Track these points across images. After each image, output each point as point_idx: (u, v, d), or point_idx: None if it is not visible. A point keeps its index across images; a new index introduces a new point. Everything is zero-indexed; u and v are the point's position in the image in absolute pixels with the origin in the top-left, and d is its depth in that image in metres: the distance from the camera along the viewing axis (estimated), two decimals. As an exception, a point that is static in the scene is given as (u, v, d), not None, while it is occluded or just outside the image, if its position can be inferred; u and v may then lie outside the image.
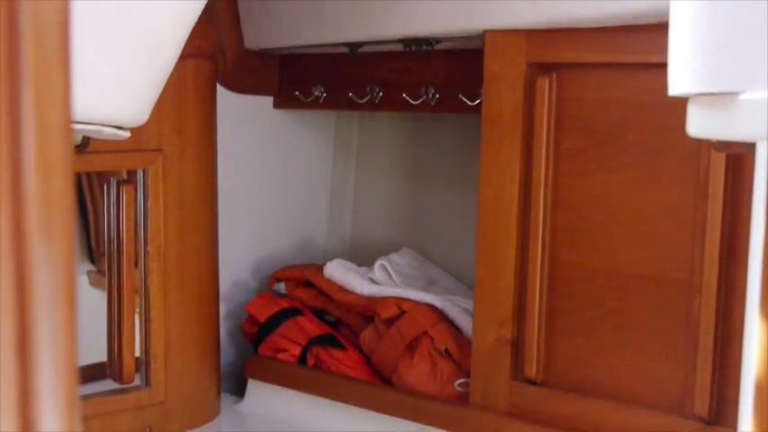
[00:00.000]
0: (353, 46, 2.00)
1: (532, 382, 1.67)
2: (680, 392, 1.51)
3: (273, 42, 2.12)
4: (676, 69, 0.85)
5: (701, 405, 1.47)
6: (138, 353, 1.88)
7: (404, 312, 1.90)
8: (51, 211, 0.38)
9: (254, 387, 2.10)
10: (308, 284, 2.13)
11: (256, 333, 2.10)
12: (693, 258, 1.48)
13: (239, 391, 2.15)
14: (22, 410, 0.38)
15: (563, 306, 1.64)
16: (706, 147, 1.42)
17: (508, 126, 1.65)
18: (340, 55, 2.10)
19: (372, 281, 2.05)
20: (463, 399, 1.79)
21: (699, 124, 0.86)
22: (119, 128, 1.25)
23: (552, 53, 1.61)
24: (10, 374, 0.38)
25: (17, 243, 0.38)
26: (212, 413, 2.03)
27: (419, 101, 2.00)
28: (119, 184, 1.81)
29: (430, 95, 1.97)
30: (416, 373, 1.86)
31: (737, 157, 1.40)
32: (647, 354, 1.54)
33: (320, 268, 2.11)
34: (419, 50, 1.89)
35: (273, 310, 2.09)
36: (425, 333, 1.87)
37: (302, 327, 2.05)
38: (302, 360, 2.03)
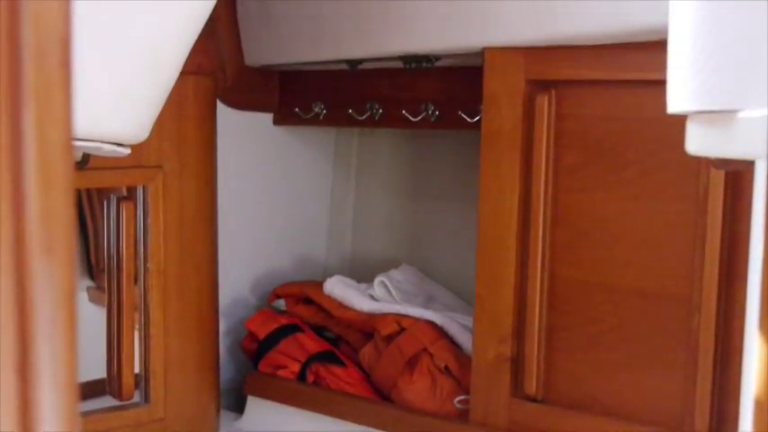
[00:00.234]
0: (353, 63, 2.01)
1: (532, 399, 1.67)
2: (680, 409, 1.50)
3: (273, 59, 2.13)
4: (675, 87, 0.86)
5: (701, 421, 1.47)
6: (137, 369, 1.88)
7: (403, 329, 1.90)
8: (52, 227, 0.38)
9: (254, 404, 2.10)
10: (308, 301, 2.12)
11: (256, 350, 2.10)
12: (693, 275, 1.48)
13: (239, 408, 2.15)
14: (23, 426, 0.38)
15: (563, 323, 1.64)
16: (705, 164, 1.43)
17: (508, 143, 1.66)
18: (340, 72, 2.10)
19: (372, 297, 2.04)
20: (463, 416, 1.79)
21: (698, 142, 0.86)
22: (119, 145, 1.25)
23: (551, 70, 1.61)
24: (10, 391, 0.38)
25: (18, 259, 0.38)
26: (211, 430, 2.03)
27: (419, 117, 2.00)
28: (119, 200, 1.82)
29: (429, 112, 1.98)
30: (416, 389, 1.86)
31: (737, 173, 1.40)
32: (647, 370, 1.54)
33: (320, 285, 2.11)
34: (419, 67, 1.89)
35: (273, 326, 2.08)
36: (425, 350, 1.86)
37: (302, 343, 2.05)
38: (302, 377, 2.02)
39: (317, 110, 2.19)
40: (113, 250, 1.83)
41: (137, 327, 1.88)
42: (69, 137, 0.39)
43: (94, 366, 1.87)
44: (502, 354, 1.69)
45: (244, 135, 2.23)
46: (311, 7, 1.96)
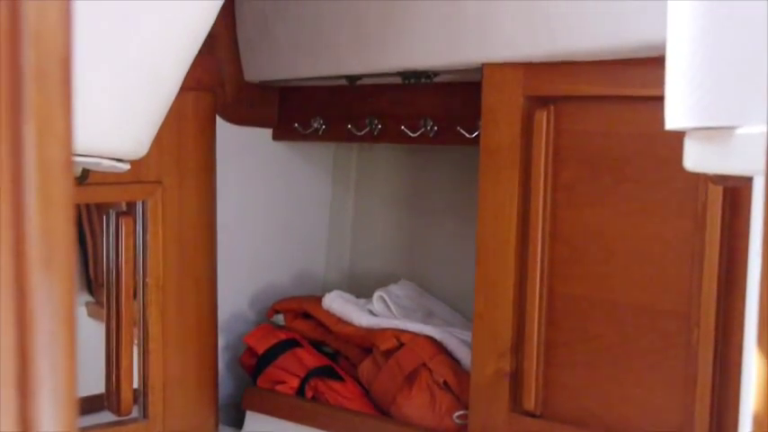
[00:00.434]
0: (352, 78, 2.01)
1: (531, 415, 1.67)
2: (679, 424, 1.50)
3: (273, 75, 2.13)
4: (673, 103, 0.86)
5: (701, 437, 1.47)
6: (136, 384, 1.88)
7: (402, 344, 1.90)
8: (52, 242, 0.38)
9: (253, 419, 2.10)
10: (307, 316, 2.12)
11: (255, 365, 2.10)
12: (692, 290, 1.48)
13: (237, 423, 2.14)
14: (22, 443, 0.39)
15: (561, 338, 1.64)
16: (703, 179, 1.43)
17: (506, 158, 1.66)
18: (339, 87, 2.11)
19: (371, 312, 2.04)
20: (462, 431, 1.79)
21: (696, 158, 0.87)
22: (118, 160, 1.25)
23: (550, 86, 1.62)
24: (10, 405, 0.38)
25: (18, 274, 0.38)
26: (210, 445, 2.02)
27: (418, 133, 2.00)
28: (118, 215, 1.82)
29: (428, 128, 1.98)
30: (415, 405, 1.86)
31: (735, 189, 1.40)
32: (646, 386, 1.54)
33: (319, 300, 2.11)
34: (418, 83, 1.90)
35: (272, 341, 2.08)
36: (424, 365, 1.86)
37: (300, 358, 2.04)
38: (300, 392, 2.02)
39: (316, 125, 2.19)
40: (112, 265, 1.83)
41: (135, 342, 1.88)
42: (69, 154, 0.40)
43: (93, 381, 1.87)
44: (501, 369, 1.69)
45: (243, 150, 2.24)
46: (310, 23, 1.97)
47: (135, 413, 1.88)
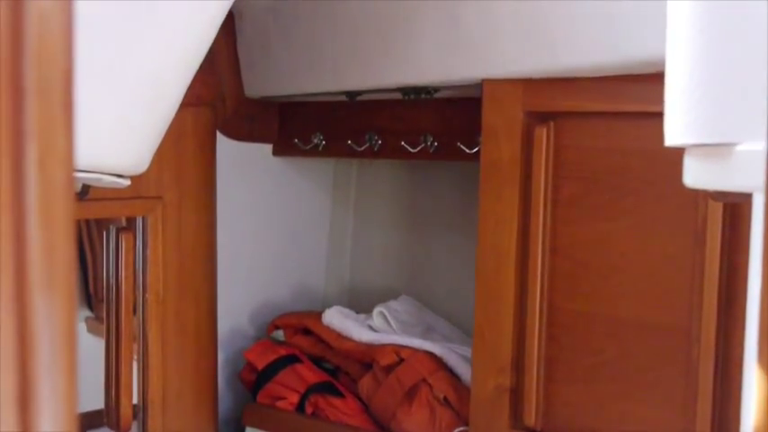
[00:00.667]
0: (352, 94, 2.01)
1: (531, 430, 1.67)
2: (679, 441, 1.50)
3: (273, 90, 2.14)
4: (672, 120, 0.86)
5: (701, 453, 1.46)
6: (135, 400, 1.88)
7: (402, 360, 1.90)
8: (53, 263, 0.38)
9: (253, 435, 2.09)
10: (307, 332, 2.12)
11: (255, 380, 2.10)
12: (692, 306, 1.48)
13: (237, 439, 2.14)
14: (22, 463, 0.39)
15: (562, 354, 1.63)
16: (703, 195, 1.43)
17: (506, 174, 1.66)
18: (339, 103, 2.11)
19: (371, 328, 2.04)
20: (462, 447, 1.79)
21: (695, 175, 0.87)
22: (119, 176, 1.26)
23: (550, 102, 1.62)
24: (11, 425, 0.38)
25: (19, 295, 0.38)
26: (210, 461, 2.02)
27: (418, 149, 2.00)
28: (118, 231, 1.82)
29: (428, 143, 1.98)
30: (415, 420, 1.85)
31: (735, 205, 1.40)
32: (647, 402, 1.54)
33: (319, 315, 2.11)
34: (418, 99, 1.90)
35: (272, 357, 2.08)
36: (424, 381, 1.86)
37: (300, 374, 2.04)
38: (300, 408, 2.02)
39: (316, 141, 2.19)
40: (112, 281, 1.83)
41: (135, 357, 1.88)
42: (71, 173, 0.40)
43: (92, 397, 1.87)
44: (501, 385, 1.69)
45: (243, 166, 2.24)
46: (310, 39, 1.97)
47: (134, 429, 1.87)
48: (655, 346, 1.53)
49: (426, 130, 1.99)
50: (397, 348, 1.92)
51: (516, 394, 1.68)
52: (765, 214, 0.57)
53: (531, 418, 1.66)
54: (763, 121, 0.76)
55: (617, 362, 1.57)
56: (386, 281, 2.36)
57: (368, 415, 1.96)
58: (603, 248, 1.58)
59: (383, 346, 1.94)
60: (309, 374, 2.04)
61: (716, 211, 1.43)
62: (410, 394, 1.87)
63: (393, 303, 2.13)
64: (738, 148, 0.80)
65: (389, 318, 2.06)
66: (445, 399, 1.84)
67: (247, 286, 2.28)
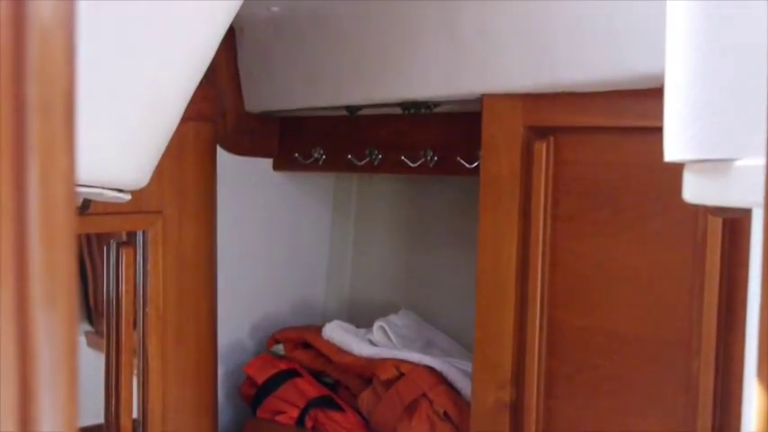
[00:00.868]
0: (353, 109, 2.02)
1: (532, 445, 1.66)
2: (680, 456, 1.50)
3: (273, 105, 2.14)
4: (671, 136, 0.86)
5: (702, 468, 1.46)
6: (135, 415, 1.87)
7: (402, 374, 1.89)
8: (54, 281, 0.38)
9: (252, 450, 2.09)
10: (307, 346, 2.12)
11: (254, 395, 2.09)
12: (692, 320, 1.48)
13: (237, 454, 2.14)
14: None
15: (562, 368, 1.63)
16: (703, 210, 1.43)
17: (506, 188, 1.66)
18: (339, 117, 2.12)
19: (371, 342, 2.04)
20: (462, 462, 1.78)
21: (694, 190, 0.87)
22: (120, 190, 1.26)
23: (550, 117, 1.62)
24: (10, 442, 0.39)
25: (19, 312, 0.38)
26: (209, 476, 2.02)
27: (418, 163, 2.01)
28: (118, 245, 1.82)
29: (428, 158, 1.99)
30: (415, 435, 1.85)
31: (734, 219, 1.40)
32: (647, 416, 1.53)
33: (319, 330, 2.11)
34: (418, 113, 1.90)
35: (272, 371, 2.08)
36: (424, 395, 1.86)
37: (300, 389, 2.04)
38: (300, 422, 2.01)
39: (316, 155, 2.20)
40: (113, 295, 1.83)
41: (135, 372, 1.88)
42: (72, 189, 0.40)
43: (92, 411, 1.86)
44: (501, 399, 1.69)
45: (244, 180, 2.24)
46: (311, 54, 1.97)
47: (134, 443, 1.87)
48: (655, 359, 1.52)
49: (426, 145, 1.99)
50: (398, 363, 1.92)
51: (516, 409, 1.68)
52: (765, 229, 0.57)
53: (531, 433, 1.66)
54: (762, 137, 0.77)
55: (617, 376, 1.57)
56: (386, 295, 2.36)
57: (368, 429, 1.96)
58: (604, 263, 1.58)
59: (383, 361, 1.94)
60: (309, 389, 2.04)
61: (716, 226, 1.43)
62: (410, 409, 1.87)
63: (393, 318, 2.13)
64: (737, 163, 0.80)
65: (390, 332, 2.06)
66: (445, 413, 1.84)
67: (247, 300, 2.28)
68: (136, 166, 1.25)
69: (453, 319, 2.20)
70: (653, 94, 1.33)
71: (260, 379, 2.08)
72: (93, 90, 1.10)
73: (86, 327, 2.12)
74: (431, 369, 1.89)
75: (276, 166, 2.31)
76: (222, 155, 2.11)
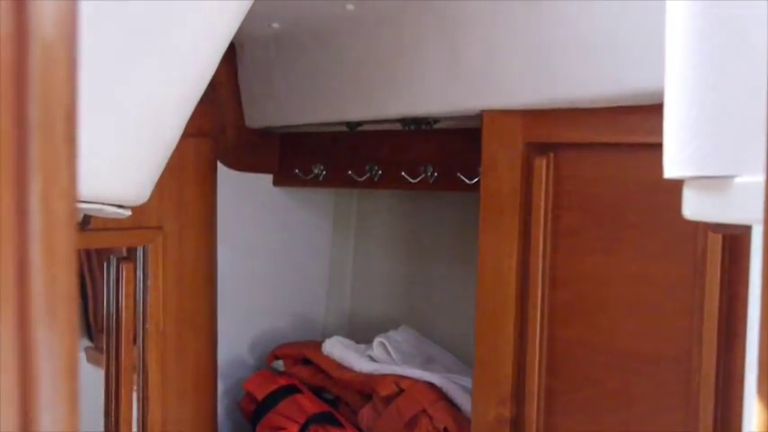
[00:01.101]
0: (353, 125, 2.02)
1: (532, 462, 1.66)
2: (680, 473, 1.49)
3: (274, 121, 2.14)
4: (671, 153, 0.86)
5: (702, 485, 1.46)
6: (135, 430, 1.87)
7: (402, 390, 1.89)
8: (54, 298, 0.38)
9: (252, 466, 2.09)
10: (307, 362, 2.12)
11: (254, 411, 2.09)
12: (692, 337, 1.47)
13: (236, 470, 2.13)
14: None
15: (562, 384, 1.63)
16: (703, 226, 1.43)
17: (506, 205, 1.66)
18: (339, 133, 2.12)
19: (371, 358, 2.04)
20: (462, 478, 1.78)
21: (694, 207, 0.87)
22: (120, 206, 1.26)
23: (550, 133, 1.62)
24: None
25: (20, 326, 0.38)
26: (209, 492, 2.01)
27: (418, 179, 2.01)
28: (118, 261, 1.82)
29: (428, 174, 1.99)
30: (415, 451, 1.85)
31: (734, 236, 1.40)
32: (647, 433, 1.53)
33: (319, 345, 2.11)
34: (418, 129, 1.91)
35: (272, 387, 2.08)
36: (424, 411, 1.85)
37: (300, 405, 2.04)
38: (300, 438, 2.01)
39: (316, 171, 2.20)
40: (113, 311, 1.83)
41: (135, 388, 1.87)
42: (73, 206, 0.40)
43: (92, 427, 1.86)
44: (501, 415, 1.68)
45: (244, 196, 2.24)
46: (311, 70, 1.98)
47: (134, 459, 1.87)
48: (654, 377, 1.52)
49: (426, 161, 2.00)
50: (397, 379, 1.92)
51: (516, 425, 1.68)
52: (765, 246, 0.57)
53: (531, 450, 1.65)
54: (761, 154, 0.77)
55: (617, 393, 1.56)
56: (386, 311, 2.36)
57: (368, 446, 1.96)
58: (603, 279, 1.58)
59: (383, 377, 1.94)
60: (309, 405, 2.04)
61: (715, 243, 1.43)
62: (410, 425, 1.86)
63: (393, 333, 2.13)
64: (737, 180, 0.80)
65: (390, 348, 2.06)
66: (445, 429, 1.83)
67: (247, 316, 2.28)
68: (136, 182, 1.25)
69: (453, 335, 2.20)
70: (653, 111, 1.33)
71: (260, 395, 2.08)
72: (93, 106, 1.10)
73: (86, 342, 2.12)
74: (431, 385, 1.89)
75: (276, 182, 2.31)
76: (222, 170, 2.11)
